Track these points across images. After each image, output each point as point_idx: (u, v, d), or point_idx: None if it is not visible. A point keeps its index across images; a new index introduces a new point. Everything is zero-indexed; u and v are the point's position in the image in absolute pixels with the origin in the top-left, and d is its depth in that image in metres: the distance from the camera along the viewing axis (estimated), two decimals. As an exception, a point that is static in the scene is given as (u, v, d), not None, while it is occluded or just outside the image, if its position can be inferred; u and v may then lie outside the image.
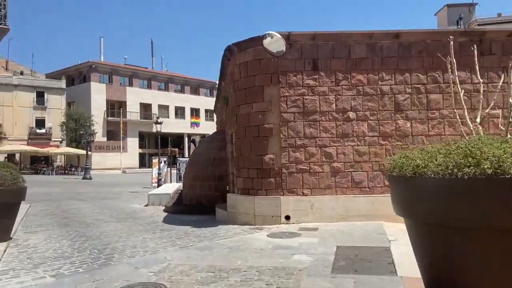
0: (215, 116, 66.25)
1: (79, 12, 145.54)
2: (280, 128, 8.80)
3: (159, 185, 20.96)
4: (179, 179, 24.26)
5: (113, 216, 11.26)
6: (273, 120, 8.85)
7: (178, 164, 24.54)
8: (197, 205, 12.13)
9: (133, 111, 56.80)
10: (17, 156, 44.68)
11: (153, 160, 25.74)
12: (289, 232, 7.69)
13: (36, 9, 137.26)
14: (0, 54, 50.30)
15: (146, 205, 14.29)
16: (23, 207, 13.34)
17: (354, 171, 8.72)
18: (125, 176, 42.61)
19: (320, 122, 8.80)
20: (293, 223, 8.56)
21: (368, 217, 8.50)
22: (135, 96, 57.48)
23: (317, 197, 8.66)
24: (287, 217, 8.64)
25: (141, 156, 59.49)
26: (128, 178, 37.25)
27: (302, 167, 8.74)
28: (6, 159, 43.70)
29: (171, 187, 17.45)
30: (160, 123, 21.00)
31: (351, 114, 8.80)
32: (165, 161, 25.73)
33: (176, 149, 42.38)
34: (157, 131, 20.77)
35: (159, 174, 21.27)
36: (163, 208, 13.20)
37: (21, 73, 50.53)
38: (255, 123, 9.00)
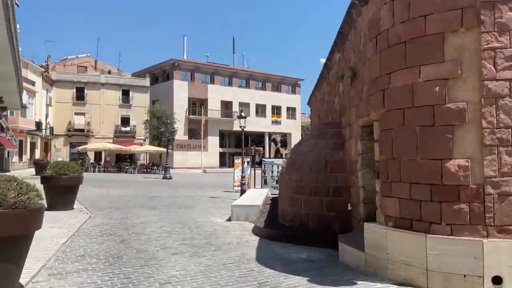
0: (298, 113, 62.22)
1: (164, 12, 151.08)
2: (482, 109, 4.68)
3: (242, 191, 17.71)
4: (264, 183, 20.94)
5: (186, 241, 7.97)
6: (466, 94, 4.76)
7: (263, 166, 21.19)
8: (302, 229, 8.42)
9: (214, 109, 55.19)
10: (103, 154, 45.07)
11: (235, 161, 22.71)
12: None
13: (123, 10, 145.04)
14: (89, 53, 51.70)
15: (229, 220, 10.99)
16: (81, 217, 10.72)
17: None
18: (205, 176, 40.68)
19: None
20: (513, 295, 4.40)
21: None
22: (216, 94, 55.85)
23: None
24: (497, 281, 4.51)
25: (221, 155, 57.82)
26: (208, 179, 35.03)
27: (529, 184, 4.53)
28: (93, 157, 44.26)
29: (259, 196, 14.02)
30: (244, 117, 17.82)
31: None
32: (248, 162, 22.58)
33: (261, 148, 39.15)
34: (241, 127, 17.58)
35: (242, 177, 18.03)
36: (252, 226, 9.77)
37: (109, 72, 51.38)
38: (426, 101, 4.98)
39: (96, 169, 39.09)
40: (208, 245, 7.71)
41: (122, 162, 45.49)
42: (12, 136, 23.52)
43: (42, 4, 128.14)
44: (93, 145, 42.76)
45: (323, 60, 11.88)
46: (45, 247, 6.94)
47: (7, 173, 31.25)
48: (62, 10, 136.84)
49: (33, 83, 37.59)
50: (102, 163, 43.00)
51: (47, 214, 10.83)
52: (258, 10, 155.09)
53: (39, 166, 29.12)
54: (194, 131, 53.34)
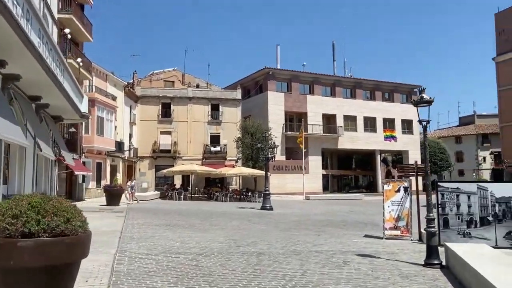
0: (415, 127, 49.57)
1: (253, 21, 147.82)
2: None
3: (430, 248, 8.90)
4: (444, 225, 11.91)
5: None
6: None
7: (440, 195, 12.27)
8: None
9: (314, 124, 46.96)
10: (191, 177, 39.14)
11: (385, 187, 13.98)
12: None
13: (212, 22, 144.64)
14: (176, 67, 47.28)
15: None
16: None
17: None
18: (310, 204, 32.21)
19: None
20: None
21: None
22: (316, 106, 47.65)
23: None
24: None
25: (323, 178, 48.98)
26: (318, 209, 26.47)
27: None
28: (180, 182, 38.52)
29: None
30: (430, 102, 9.21)
31: None
32: (405, 189, 13.77)
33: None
34: (422, 121, 9.09)
35: (430, 220, 9.20)
36: None
37: (197, 86, 46.32)
38: None
39: (182, 196, 32.87)
40: None
41: (212, 187, 39.09)
42: (73, 157, 17.62)
43: (130, 15, 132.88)
44: (179, 167, 36.99)
45: None
46: None
47: (79, 202, 25.56)
48: (150, 19, 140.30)
49: (113, 97, 33.00)
50: (190, 188, 36.93)
51: None
52: (359, 9, 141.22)
53: (111, 195, 23.25)
54: (292, 151, 45.49)
